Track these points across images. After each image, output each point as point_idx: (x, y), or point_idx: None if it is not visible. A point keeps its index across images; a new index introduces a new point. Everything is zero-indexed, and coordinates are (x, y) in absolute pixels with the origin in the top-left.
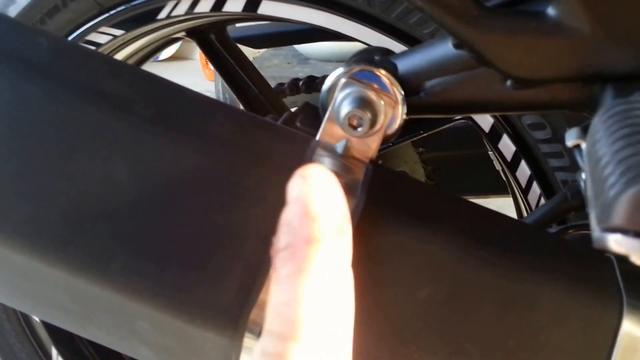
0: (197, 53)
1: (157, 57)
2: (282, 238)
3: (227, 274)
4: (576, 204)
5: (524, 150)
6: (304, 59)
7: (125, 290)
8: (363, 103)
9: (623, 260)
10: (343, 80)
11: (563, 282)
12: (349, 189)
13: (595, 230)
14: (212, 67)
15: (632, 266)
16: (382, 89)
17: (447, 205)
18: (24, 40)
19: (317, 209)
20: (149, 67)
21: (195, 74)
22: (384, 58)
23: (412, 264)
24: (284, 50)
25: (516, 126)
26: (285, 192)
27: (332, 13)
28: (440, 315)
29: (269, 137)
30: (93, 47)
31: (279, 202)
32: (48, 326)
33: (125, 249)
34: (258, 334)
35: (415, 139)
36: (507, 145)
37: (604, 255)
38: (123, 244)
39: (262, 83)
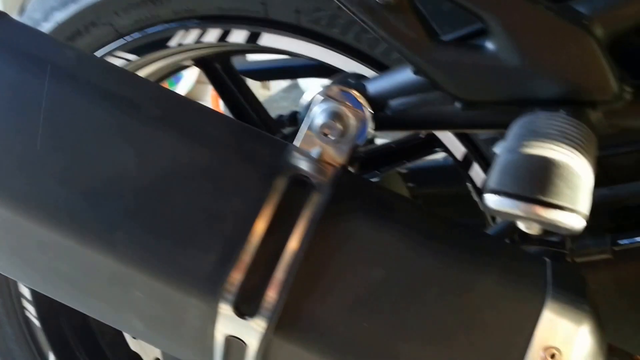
0: (209, 94)
1: None
2: None
3: (209, 249)
4: None
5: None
6: None
7: (124, 258)
8: (335, 116)
9: (555, 261)
10: (320, 97)
11: (498, 274)
12: (319, 187)
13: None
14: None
15: (563, 266)
16: (353, 106)
17: (405, 207)
18: (56, 51)
19: None
20: None
21: None
22: (357, 81)
23: (368, 250)
24: (293, 93)
25: (485, 155)
26: (263, 186)
27: (324, 47)
28: (389, 293)
29: (254, 141)
30: None
31: (257, 193)
32: (47, 331)
33: (127, 222)
34: (232, 302)
35: (400, 166)
36: (477, 174)
37: (540, 257)
38: (127, 218)
39: (263, 113)
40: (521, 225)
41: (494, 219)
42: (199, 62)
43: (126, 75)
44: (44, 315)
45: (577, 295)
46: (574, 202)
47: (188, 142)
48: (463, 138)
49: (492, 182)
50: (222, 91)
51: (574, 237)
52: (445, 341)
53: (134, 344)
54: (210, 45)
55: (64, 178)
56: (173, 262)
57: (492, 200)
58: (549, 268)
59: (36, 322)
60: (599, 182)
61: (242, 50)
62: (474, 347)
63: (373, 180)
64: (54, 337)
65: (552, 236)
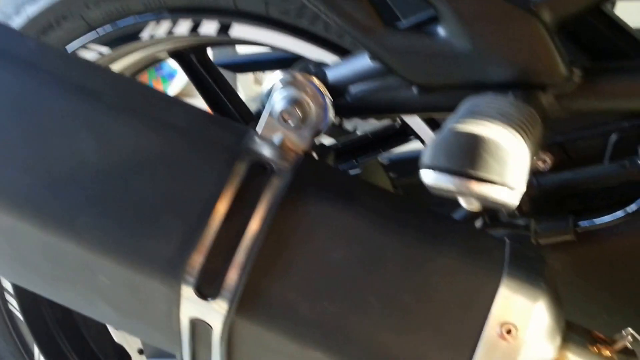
0: None
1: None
2: None
3: (171, 233)
4: None
5: None
6: None
7: (87, 243)
8: (295, 102)
9: (514, 242)
10: (280, 83)
11: (456, 252)
12: (280, 172)
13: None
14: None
15: (521, 247)
16: (312, 92)
17: (366, 190)
18: (17, 41)
19: None
20: None
21: None
22: (317, 68)
23: (328, 232)
24: None
25: None
26: (223, 171)
27: (294, 37)
28: (348, 273)
29: (215, 127)
30: None
31: (217, 178)
32: (31, 325)
33: (89, 208)
34: (194, 284)
35: (376, 156)
36: None
37: (500, 238)
38: (88, 204)
39: (240, 105)
40: (462, 202)
41: None
42: (174, 54)
43: (87, 66)
44: (27, 308)
45: (534, 273)
46: (503, 177)
47: (149, 129)
48: (433, 125)
49: (426, 158)
50: (199, 83)
51: (538, 219)
52: (404, 318)
53: (118, 336)
54: (182, 37)
55: (26, 166)
56: (135, 246)
57: (427, 176)
58: (507, 248)
59: (20, 316)
60: (562, 166)
61: (215, 42)
62: (432, 323)
63: (354, 171)
64: (38, 330)
65: (517, 219)
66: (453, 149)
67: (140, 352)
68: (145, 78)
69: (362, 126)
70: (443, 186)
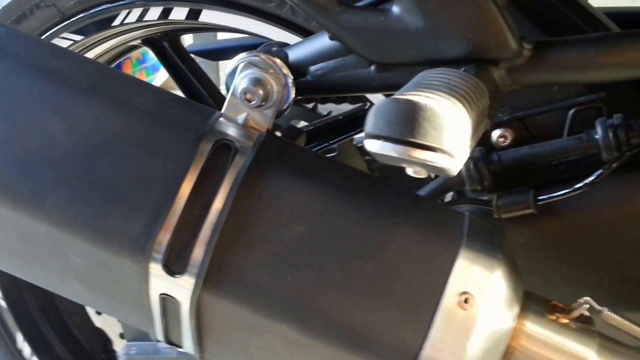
0: None
1: None
2: None
3: (138, 211)
4: (456, 182)
5: None
6: None
7: (57, 223)
8: (257, 82)
9: (474, 215)
10: (242, 64)
11: (415, 225)
12: (243, 151)
13: None
14: None
15: (480, 221)
16: (274, 72)
17: (329, 167)
18: None
19: None
20: None
21: None
22: (278, 48)
23: (290, 207)
24: None
25: None
26: (189, 151)
27: (262, 21)
28: (310, 248)
29: (181, 109)
30: None
31: (183, 157)
32: (14, 312)
33: (58, 188)
34: (162, 261)
35: (349, 138)
36: None
37: (460, 212)
38: (57, 184)
39: (214, 91)
40: (409, 171)
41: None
42: (148, 41)
43: (55, 49)
44: (9, 295)
45: (492, 245)
46: (441, 143)
47: (116, 111)
48: None
49: (368, 127)
50: (172, 70)
51: (501, 195)
52: (366, 289)
53: (99, 321)
54: (154, 24)
55: None
56: (103, 224)
57: (371, 145)
58: (466, 221)
59: (2, 303)
60: (523, 142)
61: (186, 29)
62: (392, 293)
63: (331, 155)
64: (21, 317)
65: (482, 195)
66: (392, 117)
67: (122, 336)
68: (129, 70)
69: (338, 111)
70: (386, 154)
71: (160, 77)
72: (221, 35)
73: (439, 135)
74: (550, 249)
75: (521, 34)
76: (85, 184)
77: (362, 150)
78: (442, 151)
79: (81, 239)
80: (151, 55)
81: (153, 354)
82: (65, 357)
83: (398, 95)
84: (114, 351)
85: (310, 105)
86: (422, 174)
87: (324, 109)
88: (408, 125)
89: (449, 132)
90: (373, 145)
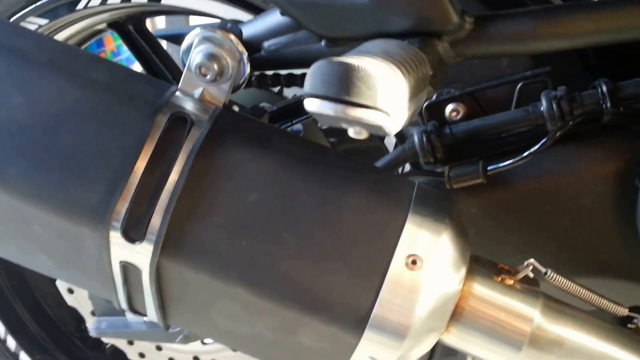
0: None
1: None
2: None
3: (97, 181)
4: (410, 155)
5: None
6: None
7: (18, 194)
8: (211, 57)
9: (427, 185)
10: (197, 39)
11: (365, 192)
12: (199, 124)
13: None
14: None
15: (429, 188)
16: (228, 47)
17: (284, 138)
18: None
19: None
20: None
21: None
22: (233, 25)
23: (245, 176)
24: None
25: None
26: (146, 123)
27: (226, 4)
28: (264, 214)
29: (138, 83)
30: None
31: (140, 130)
32: None
33: (18, 160)
34: (121, 229)
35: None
36: None
37: (410, 181)
38: (17, 156)
39: (179, 74)
40: (350, 132)
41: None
42: (113, 25)
43: (14, 28)
44: None
45: (439, 210)
46: (375, 102)
47: (74, 85)
48: None
49: (306, 86)
50: (137, 53)
51: (452, 166)
52: (318, 252)
53: (71, 299)
54: (117, 7)
55: None
56: (64, 194)
57: (310, 104)
58: (415, 189)
59: None
60: (474, 115)
61: (148, 12)
62: (344, 256)
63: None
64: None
65: (435, 167)
66: (328, 78)
67: (93, 314)
68: None
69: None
70: (324, 112)
71: (135, 69)
72: (193, 21)
73: (373, 95)
74: (500, 217)
75: (463, 8)
76: (44, 155)
77: (326, 132)
78: (377, 109)
79: (43, 209)
80: (126, 49)
81: (123, 328)
82: (40, 337)
83: (335, 58)
84: (88, 330)
85: (276, 89)
86: (362, 135)
87: (290, 92)
88: (343, 85)
89: (383, 91)
90: (312, 105)
